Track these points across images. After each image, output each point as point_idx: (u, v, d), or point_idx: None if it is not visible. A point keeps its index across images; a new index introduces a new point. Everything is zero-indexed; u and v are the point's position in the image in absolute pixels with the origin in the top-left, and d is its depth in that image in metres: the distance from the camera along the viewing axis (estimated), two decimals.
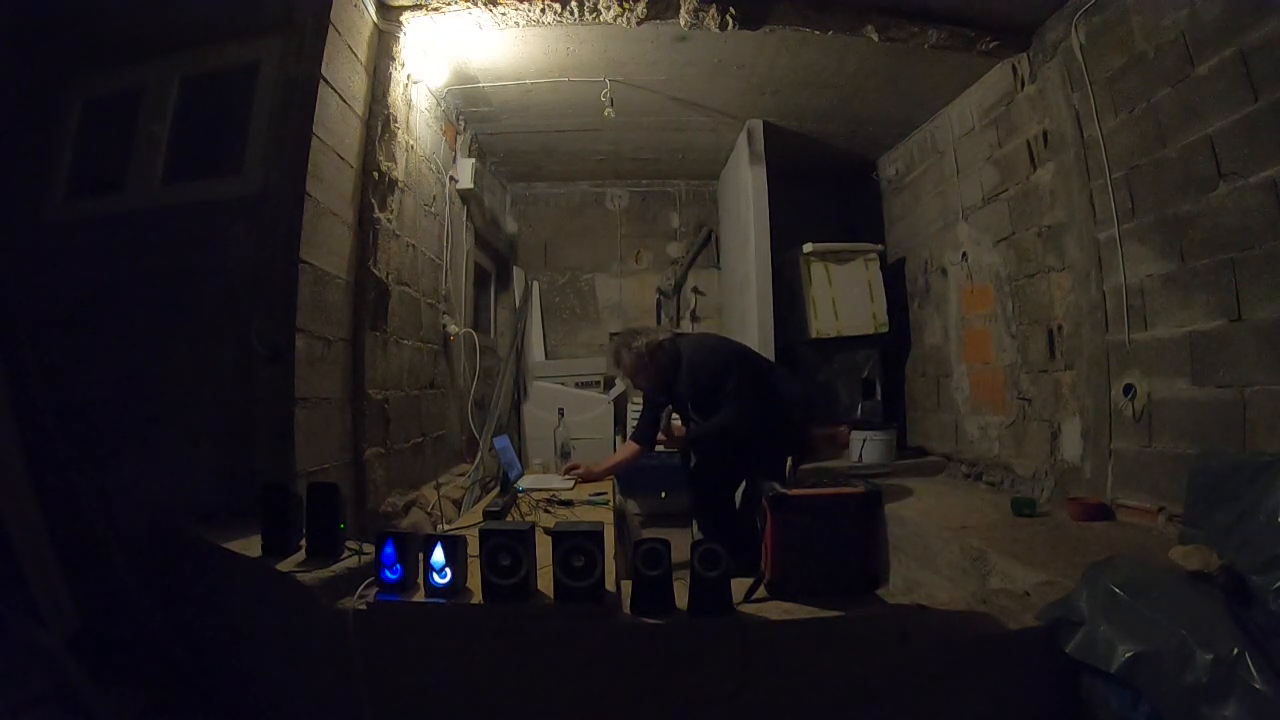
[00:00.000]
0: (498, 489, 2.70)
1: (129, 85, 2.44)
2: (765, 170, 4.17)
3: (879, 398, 4.47)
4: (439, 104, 3.49)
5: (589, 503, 2.62)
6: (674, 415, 2.98)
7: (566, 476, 2.97)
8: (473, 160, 3.90)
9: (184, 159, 2.39)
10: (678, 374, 2.77)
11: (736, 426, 2.62)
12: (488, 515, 2.20)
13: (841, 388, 4.45)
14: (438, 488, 3.02)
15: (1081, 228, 2.85)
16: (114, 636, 1.90)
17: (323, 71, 2.26)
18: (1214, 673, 1.29)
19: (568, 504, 2.57)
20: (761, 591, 1.63)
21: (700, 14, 2.80)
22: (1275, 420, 2.06)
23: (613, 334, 4.77)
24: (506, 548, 1.48)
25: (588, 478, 2.98)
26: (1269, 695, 1.21)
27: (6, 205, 2.35)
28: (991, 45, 3.12)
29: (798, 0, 2.88)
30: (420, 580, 1.54)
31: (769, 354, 3.88)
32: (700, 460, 2.98)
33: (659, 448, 3.00)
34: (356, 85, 2.54)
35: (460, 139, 3.95)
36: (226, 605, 1.81)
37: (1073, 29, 2.80)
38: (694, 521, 3.07)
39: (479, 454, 3.73)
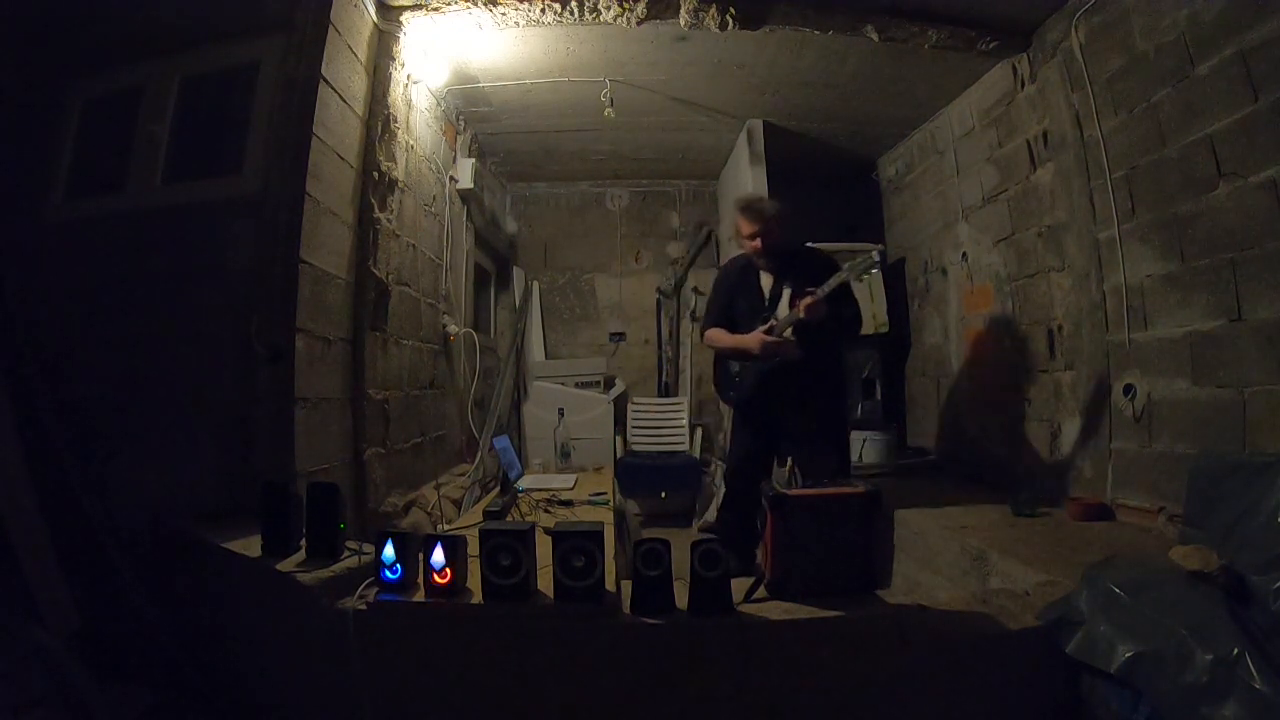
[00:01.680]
0: (498, 489, 2.70)
1: (129, 85, 2.44)
2: (765, 170, 4.16)
3: (879, 398, 4.46)
4: (439, 104, 3.49)
5: (589, 503, 2.62)
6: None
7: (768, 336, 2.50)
8: (473, 160, 3.90)
9: (184, 159, 2.39)
10: (794, 258, 2.57)
11: (859, 330, 2.61)
12: (488, 515, 2.21)
13: None
14: (438, 488, 3.02)
15: (1081, 228, 2.85)
16: (114, 636, 1.90)
17: (323, 71, 2.26)
18: (1214, 673, 1.29)
19: (568, 504, 2.57)
20: (761, 591, 1.63)
21: (700, 14, 2.79)
22: (1275, 420, 2.05)
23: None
24: (506, 548, 1.48)
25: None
26: (1269, 695, 1.21)
27: (6, 205, 2.35)
28: (991, 45, 3.12)
29: (798, 0, 2.87)
30: (420, 580, 1.54)
31: None
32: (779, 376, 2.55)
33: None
34: (356, 85, 2.54)
35: (460, 139, 3.95)
36: (226, 605, 1.81)
37: (1073, 29, 2.80)
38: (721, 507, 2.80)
39: (479, 454, 3.73)
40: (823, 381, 2.59)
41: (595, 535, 1.49)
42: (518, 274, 5.27)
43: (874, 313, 4.41)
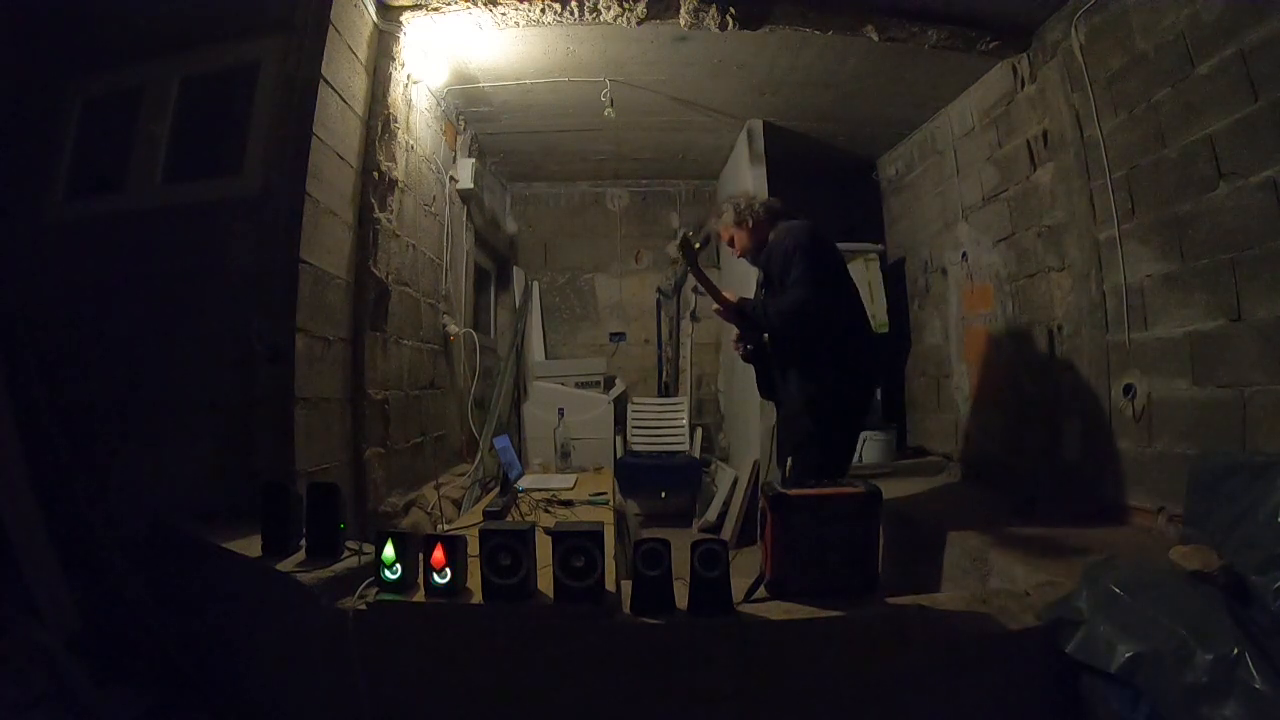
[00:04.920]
0: (498, 489, 2.70)
1: (129, 85, 2.44)
2: (765, 170, 4.16)
3: (879, 398, 4.46)
4: (439, 104, 3.49)
5: (589, 503, 2.62)
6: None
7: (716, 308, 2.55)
8: (473, 160, 3.90)
9: (184, 159, 2.39)
10: (768, 247, 2.40)
11: (789, 323, 2.25)
12: (488, 515, 2.21)
13: None
14: (438, 488, 3.02)
15: (1081, 228, 2.85)
16: (114, 636, 1.90)
17: (323, 71, 2.26)
18: (1214, 673, 1.29)
19: (568, 504, 2.57)
20: (761, 591, 1.63)
21: (700, 14, 2.79)
22: (1275, 420, 2.05)
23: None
24: (506, 548, 1.48)
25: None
26: (1269, 695, 1.21)
27: (6, 205, 2.35)
28: (991, 45, 3.12)
29: (798, 0, 2.88)
30: (420, 580, 1.54)
31: None
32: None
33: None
34: (356, 85, 2.54)
35: (460, 139, 3.95)
36: (226, 605, 1.81)
37: (1073, 29, 2.80)
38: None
39: (479, 454, 3.73)
40: (789, 384, 2.42)
41: (595, 535, 1.49)
42: (518, 274, 5.27)
43: (874, 312, 4.40)
